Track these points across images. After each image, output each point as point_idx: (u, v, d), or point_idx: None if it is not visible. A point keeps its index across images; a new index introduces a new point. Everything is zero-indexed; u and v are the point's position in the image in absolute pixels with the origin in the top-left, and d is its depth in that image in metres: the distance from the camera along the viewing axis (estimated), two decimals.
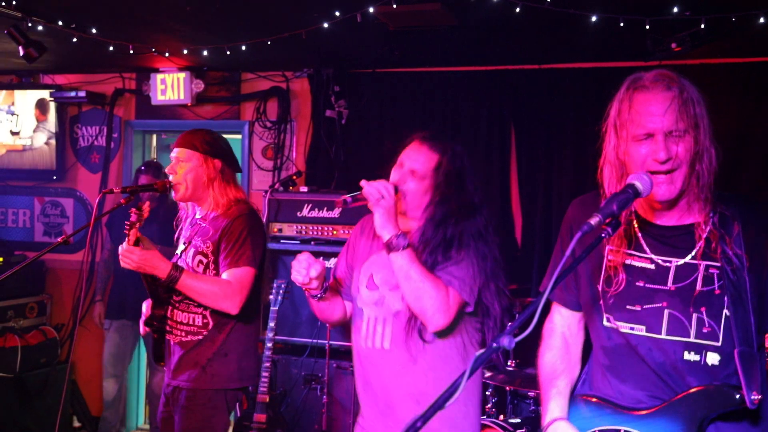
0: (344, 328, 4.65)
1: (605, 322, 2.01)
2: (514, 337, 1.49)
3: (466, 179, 2.59)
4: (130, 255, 2.87)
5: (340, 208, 2.68)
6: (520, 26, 4.06)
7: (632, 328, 1.95)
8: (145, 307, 3.15)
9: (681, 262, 1.93)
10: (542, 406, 2.09)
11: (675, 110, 1.85)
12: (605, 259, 2.02)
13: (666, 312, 1.92)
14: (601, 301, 2.01)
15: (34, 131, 6.10)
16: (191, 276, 2.95)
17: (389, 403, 2.54)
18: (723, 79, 4.55)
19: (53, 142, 6.05)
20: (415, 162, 2.59)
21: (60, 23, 4.33)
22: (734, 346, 1.85)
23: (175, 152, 3.14)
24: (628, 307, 1.96)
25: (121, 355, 5.34)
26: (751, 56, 4.52)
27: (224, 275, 2.98)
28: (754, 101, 4.50)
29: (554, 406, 2.05)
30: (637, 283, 1.96)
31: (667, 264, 1.94)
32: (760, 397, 1.81)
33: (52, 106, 6.00)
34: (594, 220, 1.68)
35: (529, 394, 3.92)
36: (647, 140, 1.88)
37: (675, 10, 3.60)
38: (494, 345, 1.47)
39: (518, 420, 3.85)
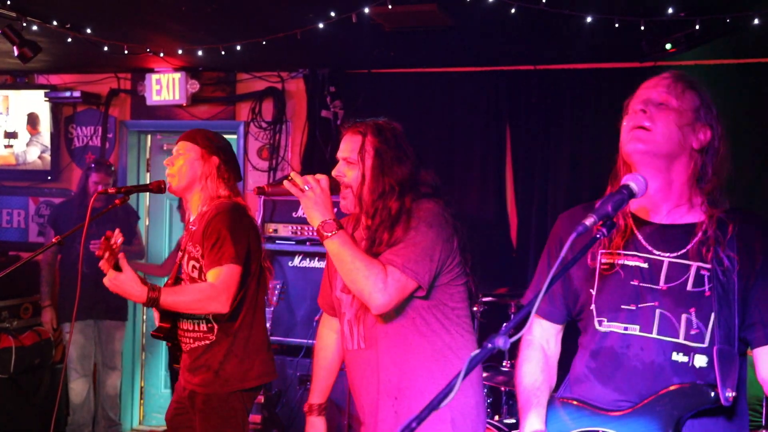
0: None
1: (597, 326, 2.01)
2: (510, 338, 1.48)
3: (397, 152, 2.52)
4: (108, 279, 2.79)
5: (259, 197, 2.64)
6: (516, 27, 4.06)
7: (626, 328, 1.96)
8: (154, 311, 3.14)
9: (673, 257, 1.94)
10: (520, 416, 2.07)
11: (665, 86, 1.97)
12: (598, 261, 2.02)
13: (657, 311, 1.93)
14: (593, 306, 2.02)
15: (27, 145, 6.10)
16: (170, 293, 2.89)
17: (371, 403, 2.54)
18: (718, 80, 4.55)
19: (47, 156, 6.06)
20: (344, 151, 2.55)
21: (54, 23, 4.32)
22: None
23: (177, 146, 3.13)
24: (623, 306, 1.97)
25: (88, 355, 5.36)
26: (746, 57, 4.53)
27: (208, 276, 2.94)
28: (749, 102, 4.51)
29: (533, 417, 2.03)
30: (632, 282, 1.97)
31: (660, 260, 1.95)
32: (734, 394, 1.83)
33: (44, 117, 5.99)
34: (589, 221, 1.68)
35: None
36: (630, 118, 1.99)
37: (670, 11, 3.60)
38: (489, 345, 1.47)
39: (513, 420, 3.85)
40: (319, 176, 2.44)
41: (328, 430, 4.69)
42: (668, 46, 3.83)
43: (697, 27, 3.67)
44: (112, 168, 5.40)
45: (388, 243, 2.41)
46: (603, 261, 2.02)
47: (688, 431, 1.89)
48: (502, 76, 5.06)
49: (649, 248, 1.97)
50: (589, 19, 3.69)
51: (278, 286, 4.57)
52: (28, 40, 4.35)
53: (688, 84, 1.98)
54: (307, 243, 4.80)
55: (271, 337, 4.50)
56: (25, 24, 4.25)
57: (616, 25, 3.71)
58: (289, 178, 2.45)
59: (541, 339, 2.17)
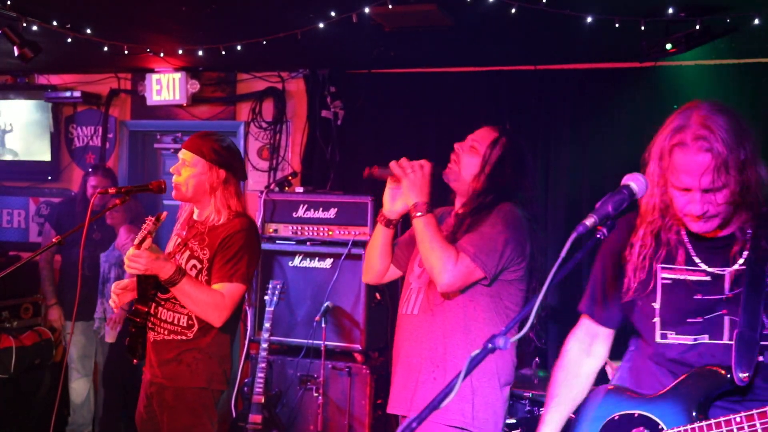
0: (338, 329, 4.65)
1: (659, 338, 2.06)
2: (510, 338, 1.49)
3: (517, 165, 2.75)
4: (138, 259, 2.82)
5: (366, 177, 2.83)
6: (516, 27, 4.06)
7: (696, 339, 2.02)
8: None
9: (734, 268, 1.99)
10: (541, 417, 2.22)
11: (711, 173, 1.88)
12: (658, 277, 2.07)
13: (727, 318, 1.98)
14: (657, 319, 2.07)
15: None
16: (190, 282, 2.94)
17: (411, 366, 2.73)
18: (718, 80, 4.55)
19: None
20: (476, 136, 2.80)
21: (55, 23, 4.32)
22: None
23: (182, 153, 3.12)
24: (689, 320, 2.02)
25: (89, 355, 5.36)
26: (746, 57, 4.53)
27: (216, 286, 2.99)
28: (749, 102, 4.51)
29: (550, 420, 2.18)
30: (695, 297, 2.02)
31: (722, 273, 2.00)
32: (748, 374, 1.88)
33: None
34: (589, 221, 1.69)
35: (525, 394, 3.92)
36: (686, 192, 1.93)
37: (670, 11, 3.61)
38: (489, 346, 1.47)
39: (513, 420, 3.85)
40: (423, 162, 2.70)
41: (328, 430, 4.72)
42: (668, 46, 3.83)
43: (697, 27, 3.67)
44: (110, 170, 5.41)
45: (466, 228, 2.65)
46: (663, 276, 2.06)
47: (716, 413, 1.95)
48: (502, 76, 5.05)
49: (709, 263, 2.02)
50: (589, 19, 3.69)
51: (278, 287, 4.57)
52: (28, 40, 4.35)
53: (726, 154, 1.88)
54: (308, 243, 4.80)
55: (271, 338, 4.52)
56: (25, 24, 4.25)
57: (617, 25, 3.71)
58: (398, 162, 2.71)
59: (583, 342, 2.27)
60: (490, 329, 2.64)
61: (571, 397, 2.21)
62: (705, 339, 1.99)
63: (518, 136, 2.85)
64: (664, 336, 2.05)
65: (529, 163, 2.83)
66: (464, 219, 2.70)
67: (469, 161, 2.76)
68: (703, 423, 1.91)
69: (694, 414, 1.94)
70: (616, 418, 2.09)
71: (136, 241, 2.84)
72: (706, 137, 1.88)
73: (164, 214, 2.97)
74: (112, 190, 3.11)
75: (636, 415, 2.04)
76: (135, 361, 3.11)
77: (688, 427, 1.94)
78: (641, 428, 2.03)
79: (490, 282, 2.63)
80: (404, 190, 2.69)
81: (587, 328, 2.26)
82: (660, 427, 2.00)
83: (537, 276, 2.72)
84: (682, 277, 2.03)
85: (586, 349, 2.26)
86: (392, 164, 2.71)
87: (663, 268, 2.05)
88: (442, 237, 2.62)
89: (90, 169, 5.30)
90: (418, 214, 2.63)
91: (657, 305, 2.06)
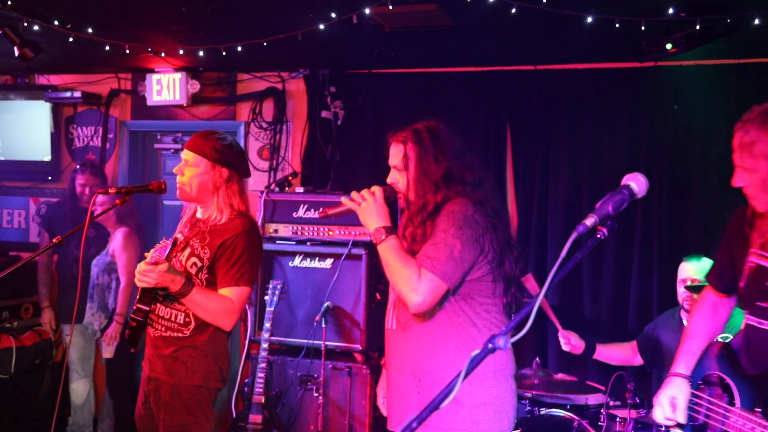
0: (339, 329, 4.65)
1: (744, 317, 2.34)
2: (510, 338, 1.49)
3: (436, 154, 2.68)
4: (149, 274, 2.87)
5: (323, 217, 2.82)
6: (516, 27, 4.06)
7: (760, 323, 2.24)
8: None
9: None
10: (675, 359, 2.59)
11: (739, 151, 2.32)
12: (748, 260, 2.30)
13: None
14: (742, 297, 2.37)
15: None
16: (200, 292, 2.97)
17: (395, 381, 2.73)
18: (719, 80, 4.55)
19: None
20: (393, 159, 2.75)
21: (56, 23, 4.32)
22: None
23: (184, 154, 3.14)
24: (757, 303, 2.25)
25: (88, 357, 5.37)
26: (746, 57, 4.53)
27: (223, 291, 3.01)
28: (749, 102, 4.48)
29: (681, 363, 2.54)
30: (766, 283, 2.22)
31: None
32: None
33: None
34: (589, 221, 1.69)
35: (525, 394, 3.92)
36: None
37: (670, 11, 3.61)
38: (489, 346, 1.47)
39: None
40: (374, 188, 2.67)
41: (328, 430, 4.71)
42: (668, 46, 3.83)
43: (698, 27, 3.67)
44: (99, 167, 5.42)
45: (422, 238, 2.60)
46: (750, 259, 2.28)
47: None
48: (502, 76, 5.05)
49: None
50: (589, 19, 3.69)
51: (278, 287, 4.57)
52: (28, 40, 4.35)
53: (750, 139, 2.30)
54: (308, 243, 4.80)
55: (272, 338, 4.52)
56: (26, 24, 4.25)
57: (617, 25, 3.71)
58: (349, 195, 2.69)
59: (713, 301, 2.64)
60: (469, 332, 2.60)
61: (702, 338, 2.58)
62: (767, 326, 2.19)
63: (419, 130, 2.72)
64: (746, 314, 2.31)
65: (445, 140, 2.71)
66: (418, 230, 2.64)
67: (404, 183, 2.71)
68: (755, 417, 2.18)
69: (758, 409, 2.20)
70: (715, 375, 2.49)
71: (150, 260, 2.87)
72: (746, 120, 2.33)
73: (179, 238, 3.01)
74: (112, 191, 3.11)
75: (727, 381, 2.40)
76: (132, 350, 3.13)
77: (746, 414, 2.25)
78: (725, 396, 2.42)
79: (454, 291, 2.58)
80: (361, 220, 2.66)
81: (712, 293, 2.65)
82: (734, 402, 2.36)
83: (498, 250, 2.63)
84: (760, 262, 2.23)
85: (713, 307, 2.64)
86: (343, 199, 2.69)
87: (752, 252, 2.28)
88: (404, 258, 2.55)
89: (78, 167, 5.30)
90: (377, 241, 2.60)
91: (741, 284, 2.34)
